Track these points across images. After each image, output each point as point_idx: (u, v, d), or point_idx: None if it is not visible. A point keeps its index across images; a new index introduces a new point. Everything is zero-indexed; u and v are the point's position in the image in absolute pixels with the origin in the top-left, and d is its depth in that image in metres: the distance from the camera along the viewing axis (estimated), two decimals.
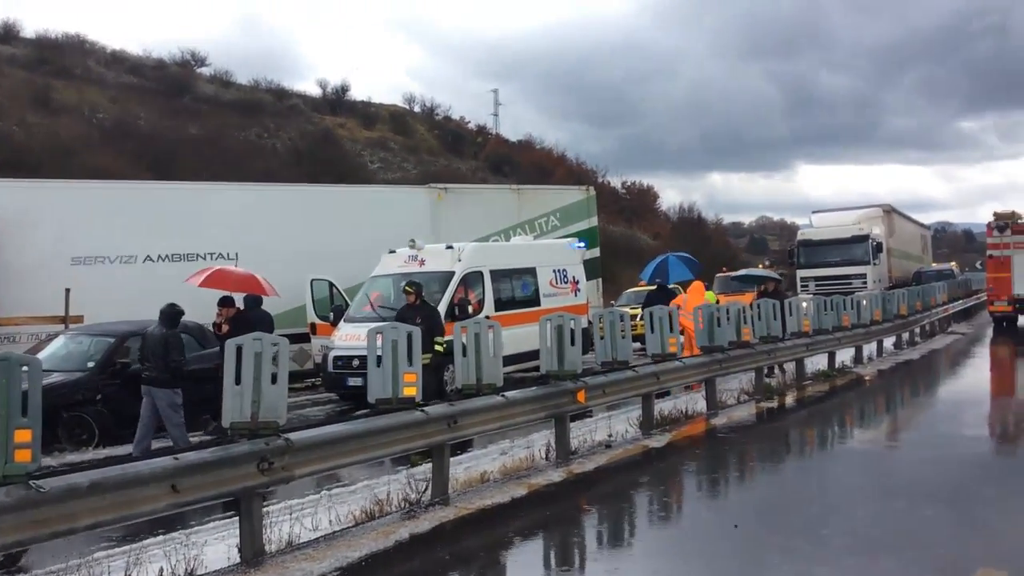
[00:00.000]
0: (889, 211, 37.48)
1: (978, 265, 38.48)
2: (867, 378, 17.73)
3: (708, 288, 21.24)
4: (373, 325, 9.06)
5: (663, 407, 13.05)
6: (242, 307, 15.09)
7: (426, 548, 7.05)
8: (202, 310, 13.38)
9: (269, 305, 15.57)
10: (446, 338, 12.69)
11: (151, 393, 10.87)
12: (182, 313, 11.29)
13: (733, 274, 24.14)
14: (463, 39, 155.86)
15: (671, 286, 19.21)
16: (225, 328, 12.14)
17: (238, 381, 6.76)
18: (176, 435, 10.87)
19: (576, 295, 18.71)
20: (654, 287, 19.07)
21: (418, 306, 13.20)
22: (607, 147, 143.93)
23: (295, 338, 18.41)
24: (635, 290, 29.84)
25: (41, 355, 12.83)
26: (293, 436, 7.00)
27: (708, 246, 57.63)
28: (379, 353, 8.13)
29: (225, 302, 12.57)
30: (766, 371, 15.69)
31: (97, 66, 47.64)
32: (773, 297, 16.41)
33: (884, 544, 6.94)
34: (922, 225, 48.98)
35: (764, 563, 6.69)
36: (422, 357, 11.32)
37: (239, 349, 6.81)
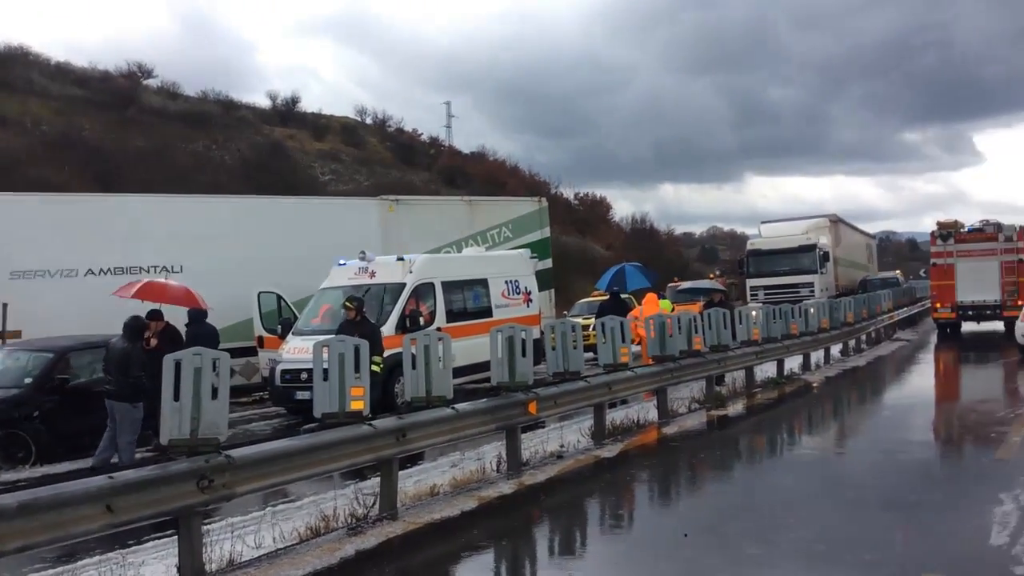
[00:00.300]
0: (836, 221, 38.05)
1: (922, 273, 39.18)
2: (815, 385, 17.91)
3: (662, 298, 21.40)
4: (321, 338, 8.92)
5: (615, 417, 13.04)
6: (186, 321, 14.85)
7: (372, 564, 6.91)
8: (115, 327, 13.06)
9: (214, 318, 15.32)
10: (393, 351, 12.55)
11: (111, 407, 10.60)
12: (146, 326, 11.03)
13: (680, 286, 24.27)
14: (414, 51, 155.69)
15: (624, 296, 19.28)
16: (154, 342, 11.82)
17: (177, 397, 6.58)
18: (123, 451, 10.59)
19: (528, 306, 18.65)
20: (607, 297, 19.15)
21: (358, 322, 12.96)
22: (560, 159, 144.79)
23: (242, 351, 18.17)
24: (588, 300, 29.95)
25: None
26: (234, 453, 6.83)
27: (661, 256, 58.11)
28: (325, 367, 8.00)
29: (154, 315, 12.18)
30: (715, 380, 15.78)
31: (41, 78, 46.72)
32: (721, 308, 16.48)
33: (830, 550, 6.96)
34: (868, 234, 49.80)
35: (712, 572, 6.66)
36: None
37: (178, 364, 6.63)
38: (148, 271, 17.68)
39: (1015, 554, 6.63)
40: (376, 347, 12.59)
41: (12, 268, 16.32)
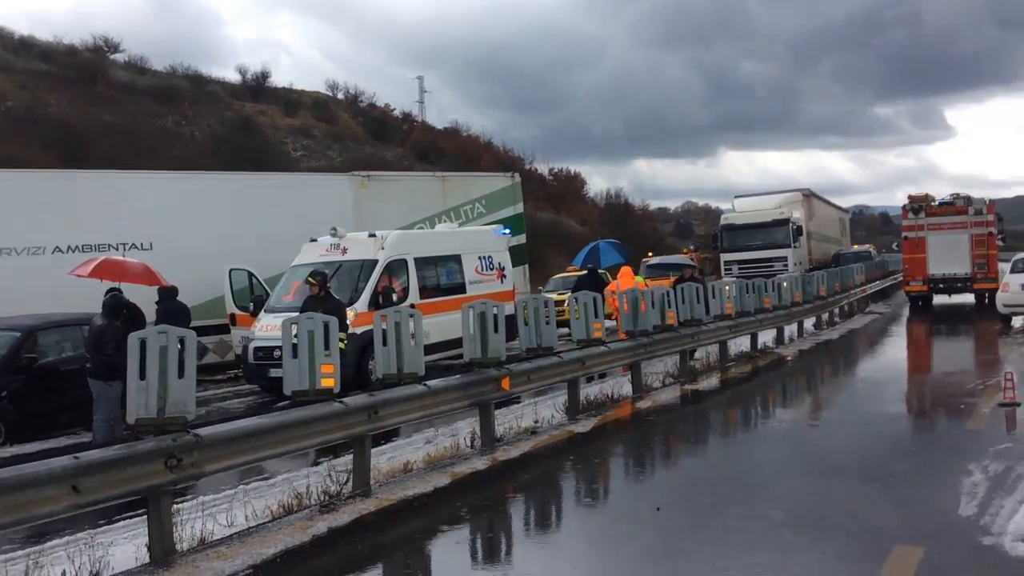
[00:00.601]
0: (808, 195, 38.20)
1: (894, 247, 39.45)
2: (788, 358, 18.01)
3: (636, 273, 21.43)
4: (291, 315, 8.82)
5: (589, 392, 13.05)
6: (156, 299, 14.67)
7: (344, 542, 6.87)
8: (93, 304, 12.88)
9: (186, 296, 15.15)
10: (366, 327, 12.41)
11: (90, 385, 10.46)
12: (124, 304, 10.86)
13: (650, 262, 24.14)
14: (386, 25, 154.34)
15: (600, 271, 19.26)
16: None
17: (143, 376, 6.48)
18: (97, 428, 10.47)
19: (502, 282, 18.60)
20: (585, 272, 19.13)
21: (322, 297, 12.79)
22: (534, 134, 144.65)
23: (215, 329, 18.02)
24: (563, 276, 29.90)
25: None
26: (203, 431, 6.75)
27: (636, 231, 58.19)
28: (295, 343, 7.91)
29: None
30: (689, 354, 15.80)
31: (4, 52, 45.86)
32: (692, 283, 16.44)
33: (801, 523, 7.00)
34: (840, 208, 50.07)
35: (684, 543, 6.67)
36: None
37: (143, 343, 6.52)
38: (117, 248, 17.45)
39: (983, 524, 6.68)
40: (341, 324, 12.35)
41: None
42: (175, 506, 7.68)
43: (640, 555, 6.59)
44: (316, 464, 9.75)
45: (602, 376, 14.63)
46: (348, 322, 13.08)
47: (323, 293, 12.92)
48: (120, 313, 10.73)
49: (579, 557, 6.77)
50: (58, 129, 38.57)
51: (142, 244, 17.91)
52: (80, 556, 6.29)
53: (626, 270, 19.18)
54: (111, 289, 12.01)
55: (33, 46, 48.70)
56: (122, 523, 7.83)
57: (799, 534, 6.77)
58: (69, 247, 16.89)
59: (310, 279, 13.23)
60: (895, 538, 6.48)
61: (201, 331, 17.15)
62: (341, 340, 11.68)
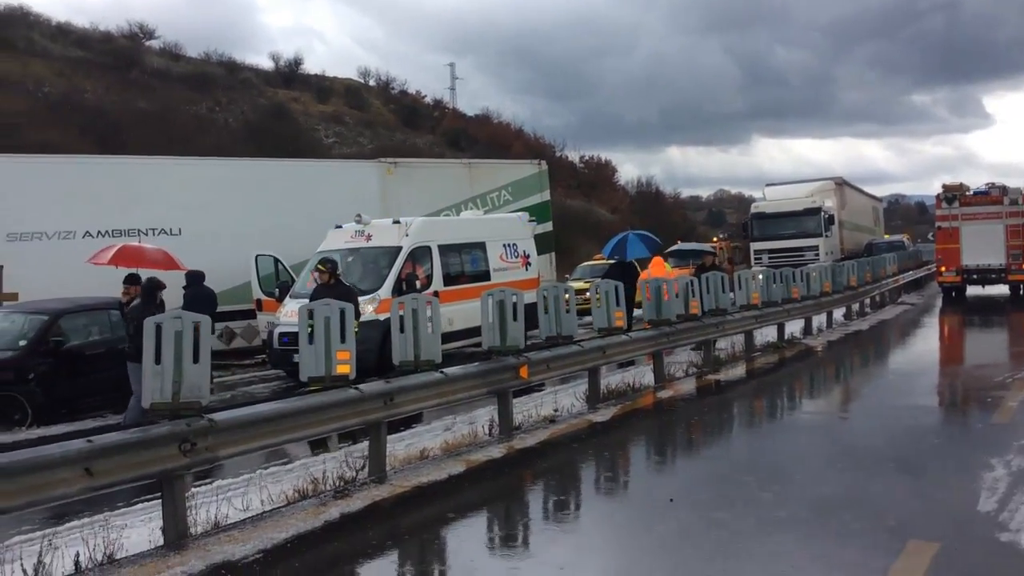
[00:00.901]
0: (841, 184, 37.72)
1: (930, 236, 38.93)
2: (816, 349, 17.84)
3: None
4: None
5: (610, 381, 12.99)
6: (183, 284, 14.81)
7: (356, 528, 6.89)
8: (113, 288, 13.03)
9: (213, 281, 15.29)
10: (385, 315, 12.41)
11: (129, 368, 10.59)
12: (160, 286, 10.91)
13: (670, 249, 23.73)
14: (419, 12, 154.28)
15: (629, 261, 19.11)
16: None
17: (158, 361, 6.54)
18: (130, 409, 10.60)
19: (527, 269, 18.57)
20: (614, 262, 19.04)
21: (332, 285, 12.54)
22: (565, 121, 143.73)
23: (242, 314, 18.19)
24: (590, 264, 29.86)
25: None
26: (217, 416, 6.80)
27: (666, 219, 57.88)
28: (310, 330, 7.95)
29: (131, 279, 12.06)
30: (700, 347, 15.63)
31: (41, 39, 46.41)
32: (715, 271, 16.26)
33: (818, 516, 6.93)
34: (874, 197, 49.42)
35: (696, 533, 6.63)
36: None
37: (159, 328, 6.58)
38: (146, 234, 17.66)
39: (1001, 520, 6.58)
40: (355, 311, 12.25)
41: (9, 230, 16.32)
42: (194, 490, 7.80)
43: (654, 545, 6.56)
44: (337, 449, 9.80)
45: (631, 363, 14.55)
46: (361, 309, 13.07)
47: (333, 280, 12.69)
48: (156, 296, 10.80)
49: (592, 546, 6.74)
50: (94, 115, 39.04)
51: (171, 230, 18.10)
52: (95, 538, 6.36)
53: (657, 260, 19.09)
54: (129, 275, 12.17)
55: (70, 33, 49.26)
56: (140, 506, 7.94)
57: (813, 526, 6.70)
58: (99, 232, 17.10)
59: (319, 267, 13.04)
60: (911, 532, 6.40)
61: (228, 316, 17.62)
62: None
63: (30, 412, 11.80)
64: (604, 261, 29.58)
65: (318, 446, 9.97)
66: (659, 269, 18.28)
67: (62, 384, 12.10)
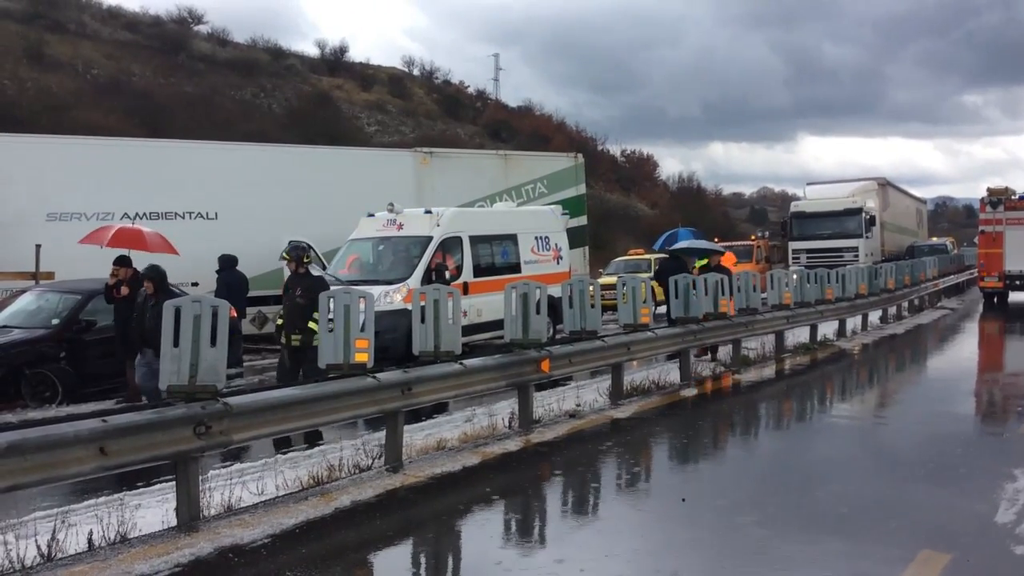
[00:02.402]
0: (884, 184, 37.16)
1: (975, 240, 38.24)
2: (849, 351, 17.60)
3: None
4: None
5: (635, 377, 12.95)
6: (216, 268, 15.00)
7: (365, 517, 6.93)
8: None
9: (249, 266, 15.50)
10: (399, 305, 12.39)
11: None
12: (164, 275, 10.83)
13: (675, 247, 22.71)
14: (464, 1, 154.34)
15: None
16: (124, 291, 11.64)
17: (176, 344, 6.62)
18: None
19: (558, 263, 18.53)
20: (667, 256, 18.82)
21: (302, 275, 11.50)
22: (608, 114, 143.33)
23: (275, 299, 18.33)
24: (623, 259, 29.77)
25: (7, 311, 12.79)
26: (232, 400, 6.86)
27: (706, 216, 57.43)
28: (331, 317, 8.01)
29: (122, 262, 11.95)
30: (702, 351, 15.43)
31: (92, 21, 47.21)
32: (717, 272, 15.35)
33: (835, 521, 6.83)
34: (918, 199, 48.61)
35: (707, 535, 6.59)
36: (292, 338, 11.00)
37: (178, 311, 6.66)
38: (184, 217, 17.93)
39: (1018, 533, 6.45)
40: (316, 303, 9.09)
41: (49, 210, 16.63)
42: (212, 472, 7.92)
43: (664, 545, 6.54)
44: (357, 437, 9.87)
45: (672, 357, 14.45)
46: (390, 298, 12.99)
47: (301, 269, 11.61)
48: (167, 285, 10.71)
49: (601, 544, 6.72)
50: (140, 98, 39.65)
51: (207, 213, 18.35)
52: (109, 516, 6.48)
53: (728, 255, 18.80)
54: (120, 257, 12.10)
55: (120, 16, 50.05)
56: (158, 487, 8.06)
57: (823, 533, 6.62)
58: (137, 214, 17.33)
59: (285, 255, 12.19)
60: (924, 542, 6.30)
61: (261, 301, 17.78)
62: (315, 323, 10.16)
63: (60, 390, 12.01)
64: (637, 256, 29.46)
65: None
66: (728, 262, 18.07)
67: (93, 363, 12.30)
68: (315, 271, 12.72)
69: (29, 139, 18.57)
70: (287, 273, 11.99)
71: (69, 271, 14.78)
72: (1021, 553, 6.09)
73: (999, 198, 27.17)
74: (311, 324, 10.67)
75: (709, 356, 15.69)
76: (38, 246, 15.21)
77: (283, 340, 11.23)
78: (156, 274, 10.55)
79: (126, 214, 17.31)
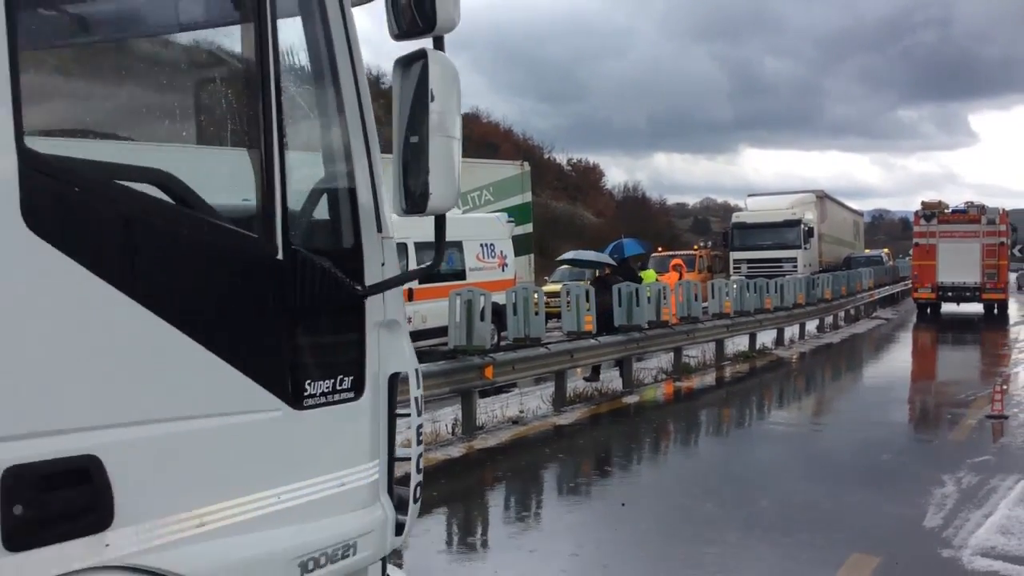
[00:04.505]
0: (822, 197, 38.00)
1: (910, 253, 39.26)
2: (787, 359, 17.96)
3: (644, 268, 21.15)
4: None
5: (577, 384, 13.06)
6: None
7: None
8: None
9: None
10: None
11: None
12: None
13: (561, 257, 21.66)
14: None
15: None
16: None
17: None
18: None
19: (503, 270, 18.61)
20: (617, 266, 18.73)
21: None
22: (555, 123, 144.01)
23: None
24: (569, 267, 29.83)
25: None
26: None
27: (651, 226, 58.05)
28: None
29: None
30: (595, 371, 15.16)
31: None
32: (604, 283, 14.45)
33: (765, 525, 6.99)
34: (855, 211, 49.76)
35: (645, 538, 6.70)
36: None
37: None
38: None
39: (945, 536, 6.66)
40: None
41: None
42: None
43: (602, 548, 6.62)
44: None
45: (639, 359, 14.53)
46: None
47: None
48: None
49: (541, 549, 6.79)
50: None
51: None
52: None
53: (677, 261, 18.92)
54: None
55: None
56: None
57: (757, 537, 6.76)
58: None
59: None
60: (854, 546, 6.47)
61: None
62: None
63: None
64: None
65: None
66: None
67: None
68: None
69: None
70: None
71: None
72: (948, 556, 6.29)
73: (933, 212, 27.93)
74: None
75: (591, 373, 14.20)
76: None
77: None
78: None
79: None
